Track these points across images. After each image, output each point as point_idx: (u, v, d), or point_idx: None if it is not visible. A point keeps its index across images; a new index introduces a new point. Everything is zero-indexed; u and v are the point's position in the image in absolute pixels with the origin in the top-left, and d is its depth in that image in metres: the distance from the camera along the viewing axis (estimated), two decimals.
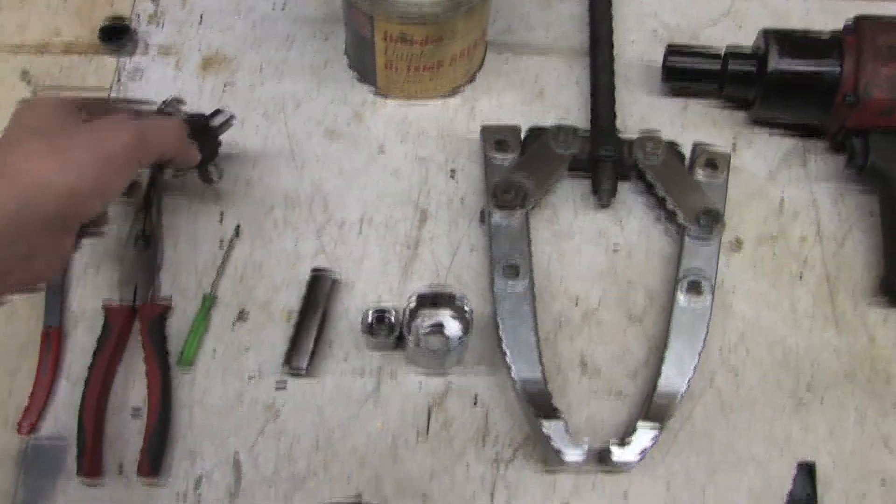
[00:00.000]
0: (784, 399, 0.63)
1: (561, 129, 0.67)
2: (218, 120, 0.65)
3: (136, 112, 0.61)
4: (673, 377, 0.60)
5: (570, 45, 0.77)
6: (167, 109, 0.63)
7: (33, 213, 0.48)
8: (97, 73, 0.74)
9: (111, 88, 0.73)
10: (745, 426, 0.62)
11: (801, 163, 0.73)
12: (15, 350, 0.62)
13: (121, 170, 0.52)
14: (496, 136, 0.68)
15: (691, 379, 0.60)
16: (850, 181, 0.71)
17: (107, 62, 0.75)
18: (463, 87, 0.74)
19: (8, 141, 0.50)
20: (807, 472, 0.60)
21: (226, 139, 0.66)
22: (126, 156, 0.52)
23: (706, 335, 0.62)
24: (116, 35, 0.74)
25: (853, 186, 0.71)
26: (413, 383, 0.62)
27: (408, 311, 0.60)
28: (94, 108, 0.55)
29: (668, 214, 0.67)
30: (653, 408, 0.59)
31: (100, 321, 0.62)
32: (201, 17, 0.77)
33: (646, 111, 0.74)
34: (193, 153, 0.62)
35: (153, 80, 0.74)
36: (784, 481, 0.60)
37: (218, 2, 0.78)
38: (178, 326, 0.63)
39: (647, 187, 0.68)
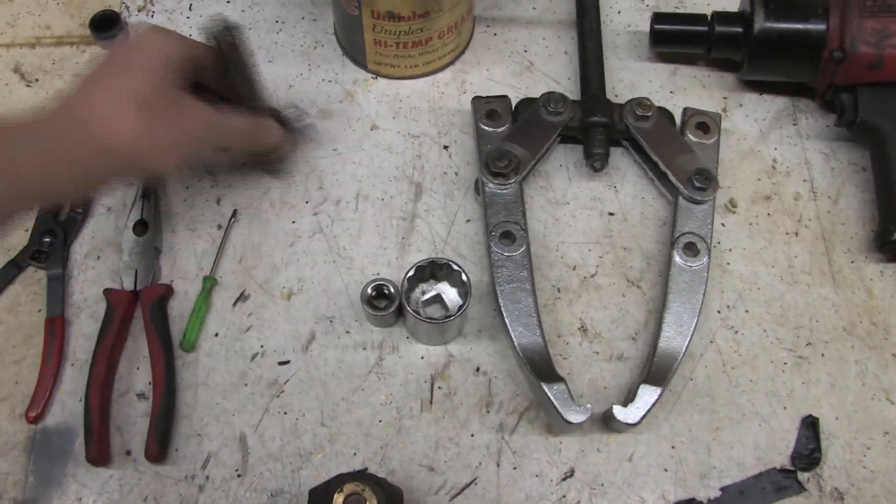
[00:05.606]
0: (784, 355, 0.63)
1: (551, 97, 0.67)
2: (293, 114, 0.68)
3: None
4: (673, 338, 0.61)
5: (557, 17, 0.77)
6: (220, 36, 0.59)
7: (104, 169, 0.55)
8: (90, 65, 0.74)
9: None
10: (748, 383, 0.62)
11: (792, 122, 0.73)
12: (19, 340, 0.63)
13: (188, 156, 0.62)
14: (487, 107, 0.68)
15: (691, 339, 0.60)
16: (842, 138, 0.72)
17: (99, 53, 0.75)
18: (453, 62, 0.74)
19: (111, 93, 0.54)
20: (810, 425, 0.61)
21: None
22: (200, 143, 0.60)
23: (704, 294, 0.62)
24: (107, 26, 0.74)
25: (844, 143, 0.72)
26: (415, 355, 0.62)
27: (406, 282, 0.60)
28: (201, 75, 0.60)
29: (662, 177, 0.67)
30: (654, 369, 0.59)
31: (102, 309, 0.63)
32: (190, 6, 0.78)
33: (635, 78, 0.75)
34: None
35: None
36: (788, 436, 0.60)
37: None
38: (180, 310, 0.64)
39: (640, 152, 0.68)
